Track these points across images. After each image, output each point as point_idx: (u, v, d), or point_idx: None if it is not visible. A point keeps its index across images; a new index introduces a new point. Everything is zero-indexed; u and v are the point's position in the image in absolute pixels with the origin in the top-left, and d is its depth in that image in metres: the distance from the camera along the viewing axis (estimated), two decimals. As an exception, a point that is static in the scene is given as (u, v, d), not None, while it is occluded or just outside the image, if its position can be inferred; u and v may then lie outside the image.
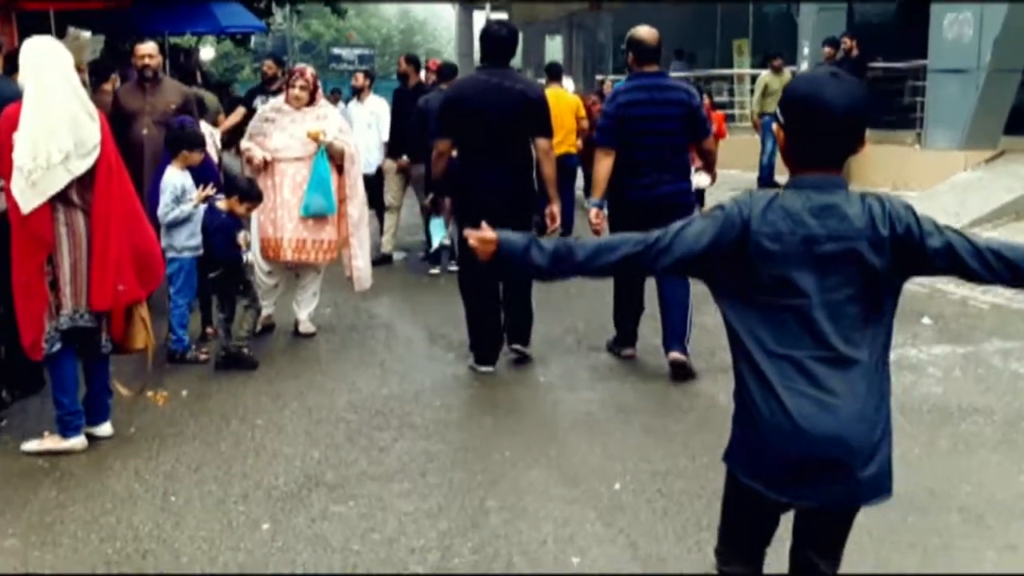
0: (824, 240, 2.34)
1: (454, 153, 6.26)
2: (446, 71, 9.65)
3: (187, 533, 4.00)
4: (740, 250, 2.40)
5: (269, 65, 10.21)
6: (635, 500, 4.27)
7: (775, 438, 2.38)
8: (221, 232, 6.25)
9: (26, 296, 4.63)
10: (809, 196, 2.38)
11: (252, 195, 6.38)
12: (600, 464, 4.67)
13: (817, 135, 2.38)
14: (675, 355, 5.96)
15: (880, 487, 2.46)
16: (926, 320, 7.34)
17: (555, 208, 6.24)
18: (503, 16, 32.90)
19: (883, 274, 2.38)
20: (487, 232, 2.61)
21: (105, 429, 5.06)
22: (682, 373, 5.93)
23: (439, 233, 8.15)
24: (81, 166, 4.56)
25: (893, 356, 6.27)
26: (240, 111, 9.80)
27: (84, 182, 4.62)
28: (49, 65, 4.55)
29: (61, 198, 4.58)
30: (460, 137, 6.08)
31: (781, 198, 2.39)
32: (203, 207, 6.25)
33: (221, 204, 6.31)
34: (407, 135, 9.49)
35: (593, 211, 6.10)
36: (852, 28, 15.22)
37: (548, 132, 6.08)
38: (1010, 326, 7.21)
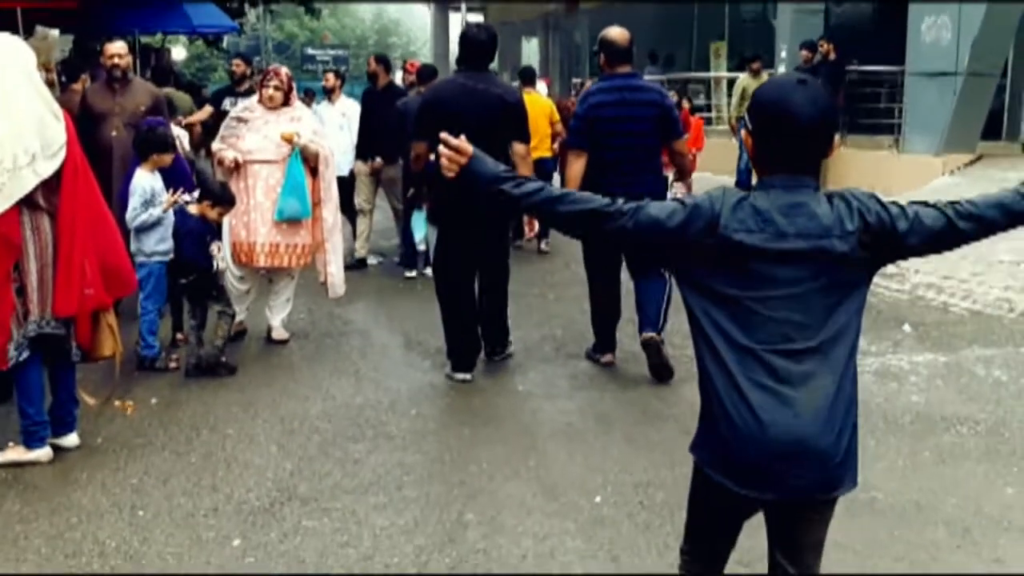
0: (792, 237, 2.35)
1: (431, 157, 6.14)
2: (425, 73, 9.53)
3: (155, 549, 3.87)
4: (707, 240, 2.39)
5: (238, 64, 9.99)
6: (616, 513, 4.17)
7: (739, 431, 2.37)
8: (192, 237, 6.12)
9: None
10: (778, 196, 2.39)
11: (224, 199, 6.25)
12: (580, 476, 4.57)
13: (785, 142, 2.39)
14: (647, 334, 5.96)
15: (842, 479, 2.43)
16: (907, 328, 7.28)
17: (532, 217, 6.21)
18: (479, 17, 32.80)
19: (851, 269, 2.38)
20: (464, 143, 2.61)
21: (71, 440, 4.91)
22: (655, 352, 5.92)
23: (421, 229, 8.01)
24: (48, 168, 4.42)
25: (875, 365, 6.30)
26: (207, 110, 9.58)
27: (50, 185, 4.47)
28: (11, 64, 4.39)
29: (27, 202, 4.43)
30: (437, 140, 5.93)
31: (752, 198, 2.40)
32: (172, 212, 6.12)
33: (192, 208, 6.17)
34: (381, 136, 9.38)
35: None
36: (829, 31, 15.22)
37: (526, 137, 6.01)
38: (990, 333, 7.16)
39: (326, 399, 5.70)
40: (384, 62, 10.04)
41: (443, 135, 2.68)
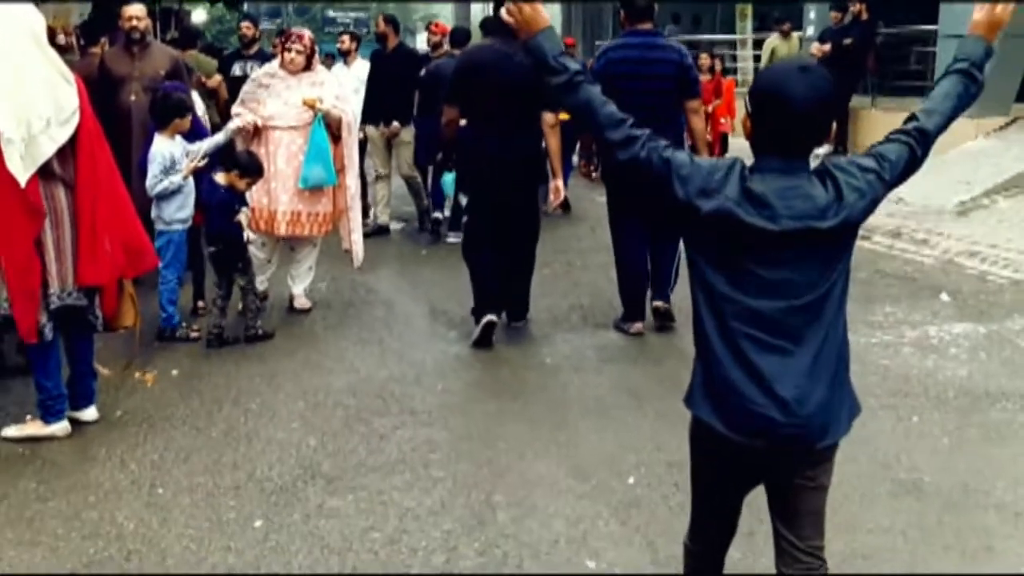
0: (787, 219, 2.38)
1: (462, 122, 6.12)
2: (459, 36, 9.36)
3: (174, 531, 3.75)
4: (706, 203, 2.42)
5: (247, 27, 9.75)
6: (651, 495, 4.02)
7: (735, 379, 2.42)
8: (221, 208, 5.99)
9: (21, 277, 4.33)
10: (774, 179, 2.41)
11: (252, 169, 6.08)
12: (612, 454, 4.41)
13: (782, 126, 2.42)
14: (657, 303, 6.23)
15: (831, 428, 2.48)
16: (944, 297, 7.07)
17: (559, 183, 6.24)
18: (501, -21, 32.32)
19: (843, 234, 2.44)
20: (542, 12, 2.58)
21: (90, 413, 4.80)
22: (662, 320, 6.21)
23: (451, 190, 7.87)
24: (63, 134, 4.27)
25: (914, 336, 6.11)
26: (217, 79, 9.30)
27: (64, 152, 4.33)
28: (20, 30, 4.21)
29: (41, 170, 4.28)
30: (470, 104, 5.99)
31: (749, 180, 2.42)
32: (191, 179, 5.97)
33: (220, 178, 6.02)
34: (392, 99, 9.23)
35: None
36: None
37: (555, 105, 5.90)
38: (1032, 303, 6.95)
39: (350, 372, 5.57)
40: (393, 23, 9.74)
41: None
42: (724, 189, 2.40)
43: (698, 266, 2.49)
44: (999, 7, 2.62)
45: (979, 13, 2.65)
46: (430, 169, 9.51)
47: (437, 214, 9.56)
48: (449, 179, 7.46)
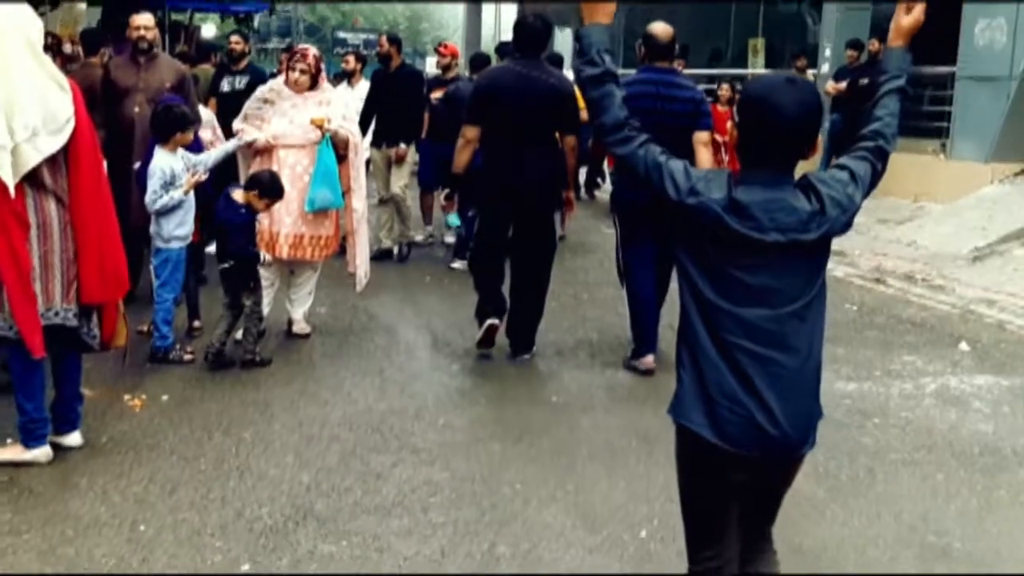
0: (772, 231, 2.43)
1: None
2: (478, 61, 9.38)
3: (155, 572, 3.51)
4: (697, 212, 2.47)
5: (236, 41, 9.50)
6: (664, 550, 3.77)
7: (725, 390, 2.46)
8: (242, 228, 5.81)
9: (21, 285, 4.10)
10: (759, 192, 2.45)
11: (274, 191, 5.87)
12: (623, 504, 4.17)
13: (769, 137, 2.46)
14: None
15: (810, 436, 2.56)
16: (964, 346, 6.85)
17: (571, 194, 6.39)
18: (513, 6, 32.38)
19: (822, 244, 2.51)
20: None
21: (74, 439, 4.56)
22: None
23: (456, 220, 7.72)
24: (52, 144, 4.04)
25: (934, 386, 5.90)
26: (211, 103, 9.02)
27: (56, 163, 4.11)
28: (12, 33, 4.00)
29: (31, 181, 4.07)
30: (490, 126, 5.97)
31: (735, 191, 2.45)
32: (192, 195, 5.78)
33: (238, 196, 5.82)
34: (397, 120, 9.09)
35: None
36: (877, 30, 14.69)
37: (576, 128, 6.04)
38: (1053, 356, 6.72)
39: (348, 403, 5.33)
40: (397, 42, 9.54)
41: None
42: (712, 193, 2.45)
43: (687, 274, 2.53)
44: (914, 15, 2.73)
45: (905, 19, 2.74)
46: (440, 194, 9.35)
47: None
48: (453, 216, 7.34)
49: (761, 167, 2.48)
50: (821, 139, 2.76)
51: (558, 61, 11.42)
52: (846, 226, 2.52)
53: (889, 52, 2.78)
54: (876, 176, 2.60)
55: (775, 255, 2.44)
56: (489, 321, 6.07)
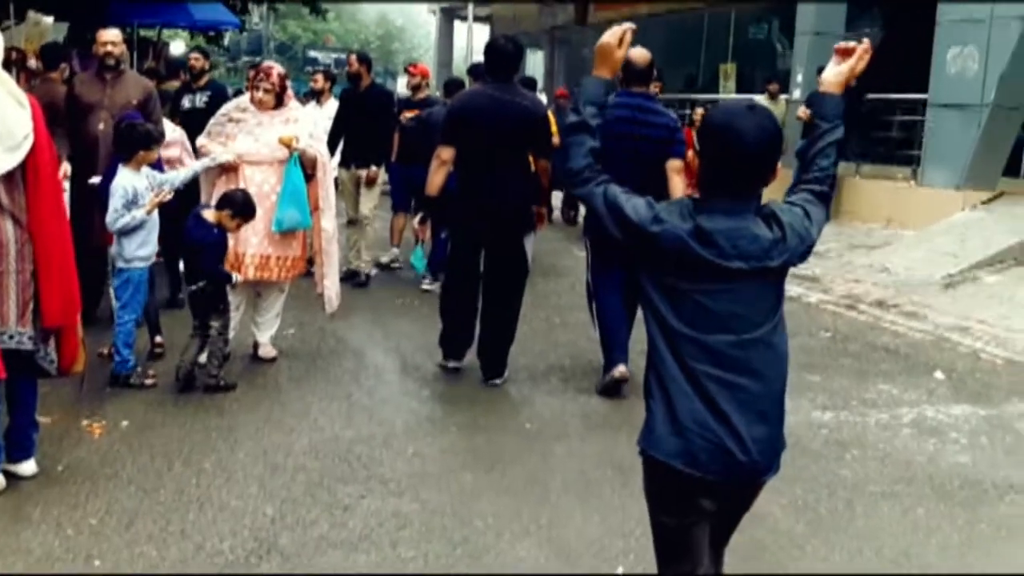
0: (735, 258, 2.46)
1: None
2: (453, 86, 9.37)
3: (109, 610, 3.35)
4: (660, 241, 2.51)
5: (195, 58, 9.33)
6: (641, 588, 3.66)
7: (694, 416, 2.48)
8: (215, 248, 5.68)
9: None
10: (721, 220, 2.48)
11: (247, 210, 5.73)
12: (598, 538, 4.04)
13: (731, 164, 2.48)
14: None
15: (775, 462, 2.59)
16: (939, 375, 6.79)
17: (543, 210, 6.39)
18: (485, 27, 32.42)
19: (783, 273, 2.58)
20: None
21: (28, 467, 4.38)
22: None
23: (420, 263, 7.54)
24: (8, 161, 3.88)
25: (911, 416, 5.81)
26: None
27: (13, 180, 3.96)
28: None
29: (-16, 198, 3.92)
30: (464, 147, 5.95)
31: (698, 219, 2.48)
32: (155, 215, 5.62)
33: (209, 215, 5.67)
34: (366, 141, 8.97)
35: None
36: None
37: (550, 151, 6.05)
38: (1030, 385, 6.67)
39: (314, 430, 5.18)
40: (367, 62, 9.36)
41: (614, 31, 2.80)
42: (676, 220, 2.49)
43: (652, 303, 2.55)
44: (854, 67, 2.76)
45: (834, 72, 2.78)
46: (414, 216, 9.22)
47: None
48: (418, 254, 7.19)
49: (723, 195, 2.51)
50: (782, 166, 2.76)
51: (531, 84, 11.39)
52: (803, 256, 2.58)
53: (825, 99, 2.79)
54: (824, 219, 2.67)
55: (738, 281, 2.48)
56: (450, 364, 6.28)
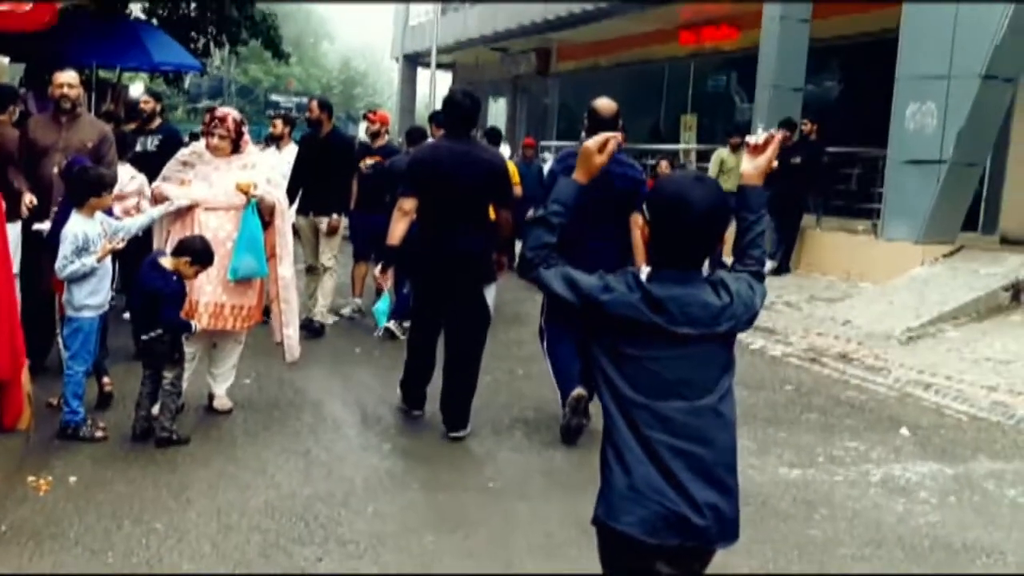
0: (684, 324, 2.54)
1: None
2: (415, 135, 9.39)
3: None
4: (611, 310, 2.56)
5: (146, 101, 9.17)
6: (609, 658, 3.52)
7: (649, 483, 2.51)
8: (175, 298, 5.51)
9: None
10: (671, 288, 2.56)
11: (206, 258, 5.58)
12: (564, 604, 3.92)
13: (680, 234, 2.58)
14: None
15: (730, 530, 2.60)
16: (904, 431, 6.73)
17: (503, 258, 6.41)
18: (448, 75, 32.56)
19: (730, 339, 2.65)
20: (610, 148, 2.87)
21: (-32, 527, 4.19)
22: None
23: (382, 317, 7.39)
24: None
25: (879, 475, 5.72)
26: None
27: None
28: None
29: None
30: (426, 198, 5.96)
31: (648, 286, 2.56)
32: (108, 262, 5.46)
33: (166, 262, 5.51)
34: (326, 188, 8.84)
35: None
36: (809, 110, 14.88)
37: (510, 203, 6.22)
38: (993, 443, 6.62)
39: (270, 487, 5.00)
40: (327, 108, 9.21)
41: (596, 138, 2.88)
42: (625, 288, 2.56)
43: (605, 373, 2.60)
44: (770, 158, 2.85)
45: (753, 165, 2.87)
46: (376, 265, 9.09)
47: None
48: (382, 307, 7.05)
49: (673, 263, 2.60)
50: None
51: (496, 135, 11.35)
52: (748, 324, 2.67)
53: (747, 192, 2.88)
54: (764, 294, 2.76)
55: (687, 347, 2.55)
56: (415, 413, 6.33)
